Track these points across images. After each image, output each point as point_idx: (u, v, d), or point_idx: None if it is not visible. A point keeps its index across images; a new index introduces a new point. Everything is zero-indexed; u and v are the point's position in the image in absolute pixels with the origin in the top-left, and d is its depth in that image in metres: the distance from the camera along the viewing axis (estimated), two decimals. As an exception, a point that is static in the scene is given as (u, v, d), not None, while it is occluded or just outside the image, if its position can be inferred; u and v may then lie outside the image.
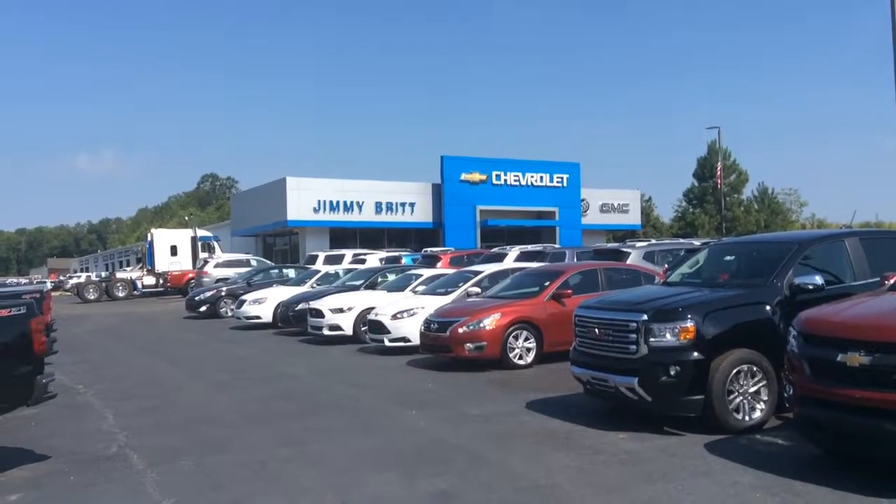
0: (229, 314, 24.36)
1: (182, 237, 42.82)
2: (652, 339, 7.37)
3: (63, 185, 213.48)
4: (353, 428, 8.38)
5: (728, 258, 9.29)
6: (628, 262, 16.29)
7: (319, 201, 42.15)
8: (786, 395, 6.49)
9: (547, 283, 12.61)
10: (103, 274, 52.64)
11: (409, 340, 13.93)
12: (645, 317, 7.46)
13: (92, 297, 39.52)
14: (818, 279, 7.46)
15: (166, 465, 7.07)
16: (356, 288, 18.96)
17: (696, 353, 7.21)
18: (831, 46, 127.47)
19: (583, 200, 49.44)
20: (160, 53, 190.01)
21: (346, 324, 16.35)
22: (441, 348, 12.41)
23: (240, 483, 6.44)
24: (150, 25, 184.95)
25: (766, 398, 7.33)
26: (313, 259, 32.23)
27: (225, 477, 6.63)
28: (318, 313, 16.76)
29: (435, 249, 28.50)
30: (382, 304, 15.38)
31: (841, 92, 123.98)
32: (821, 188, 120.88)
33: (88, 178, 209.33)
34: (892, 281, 6.83)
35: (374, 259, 28.42)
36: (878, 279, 7.49)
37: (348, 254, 31.68)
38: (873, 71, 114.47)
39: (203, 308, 25.74)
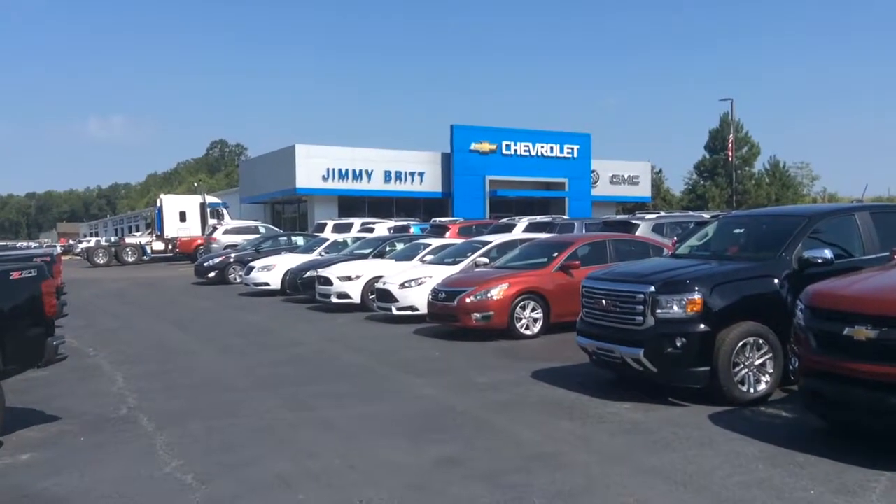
0: (238, 281, 24.49)
1: (191, 203, 42.79)
2: (659, 311, 7.38)
3: (73, 150, 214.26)
4: (360, 394, 8.47)
5: (737, 231, 9.26)
6: (637, 234, 16.30)
7: (329, 169, 42.05)
8: (791, 367, 6.50)
9: (555, 255, 12.61)
10: (113, 239, 52.71)
11: (416, 309, 13.97)
12: (652, 288, 7.46)
13: (101, 262, 39.67)
14: (827, 253, 7.43)
15: (175, 427, 7.16)
16: (364, 256, 19.01)
17: (702, 326, 7.22)
18: (846, 18, 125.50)
19: (593, 172, 49.11)
20: (170, 18, 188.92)
21: (354, 292, 16.41)
22: (448, 317, 12.46)
23: (248, 446, 6.52)
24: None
25: (771, 371, 7.34)
26: (322, 227, 32.25)
27: (233, 440, 6.72)
28: (327, 281, 16.83)
29: (443, 219, 28.56)
30: (390, 272, 15.41)
31: (854, 65, 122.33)
32: (833, 162, 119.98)
33: (98, 143, 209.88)
34: (901, 255, 6.80)
35: (382, 228, 28.44)
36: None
37: (357, 222, 31.68)
38: (887, 43, 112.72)
39: (212, 274, 25.84)
